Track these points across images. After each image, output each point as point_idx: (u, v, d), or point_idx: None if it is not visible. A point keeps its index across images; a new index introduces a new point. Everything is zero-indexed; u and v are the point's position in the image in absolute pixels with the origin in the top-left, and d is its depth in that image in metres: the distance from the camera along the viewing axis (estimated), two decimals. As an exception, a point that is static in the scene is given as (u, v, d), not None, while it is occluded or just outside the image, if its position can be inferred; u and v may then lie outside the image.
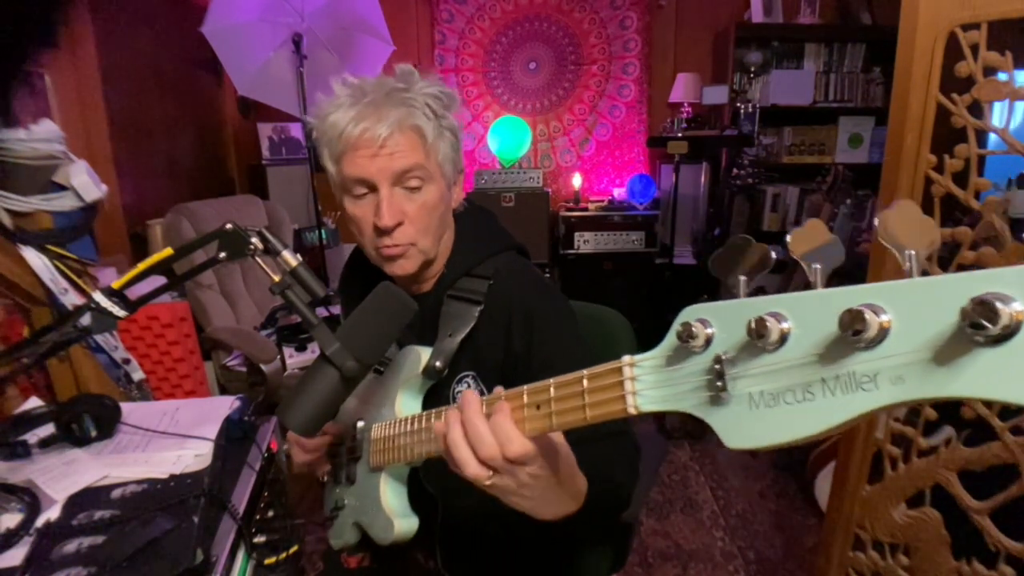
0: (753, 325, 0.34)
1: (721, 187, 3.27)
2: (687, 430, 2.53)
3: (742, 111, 3.10)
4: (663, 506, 2.09)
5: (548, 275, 3.28)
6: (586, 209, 3.35)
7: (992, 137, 0.97)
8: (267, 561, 0.83)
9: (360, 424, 0.81)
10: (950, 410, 1.04)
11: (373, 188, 0.76)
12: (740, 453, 2.39)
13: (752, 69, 3.23)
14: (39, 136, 1.27)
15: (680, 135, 3.07)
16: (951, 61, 0.95)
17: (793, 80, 3.27)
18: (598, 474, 0.62)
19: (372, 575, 0.93)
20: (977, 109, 0.95)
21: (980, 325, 0.26)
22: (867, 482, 1.17)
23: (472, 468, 0.50)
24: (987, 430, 0.98)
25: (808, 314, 0.33)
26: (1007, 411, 0.95)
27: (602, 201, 3.49)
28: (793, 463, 2.23)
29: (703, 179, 3.39)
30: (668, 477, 2.26)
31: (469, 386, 0.82)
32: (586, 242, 3.29)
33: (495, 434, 0.49)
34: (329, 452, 0.89)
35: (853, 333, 0.30)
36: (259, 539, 0.84)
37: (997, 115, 0.94)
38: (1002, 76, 0.91)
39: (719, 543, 1.90)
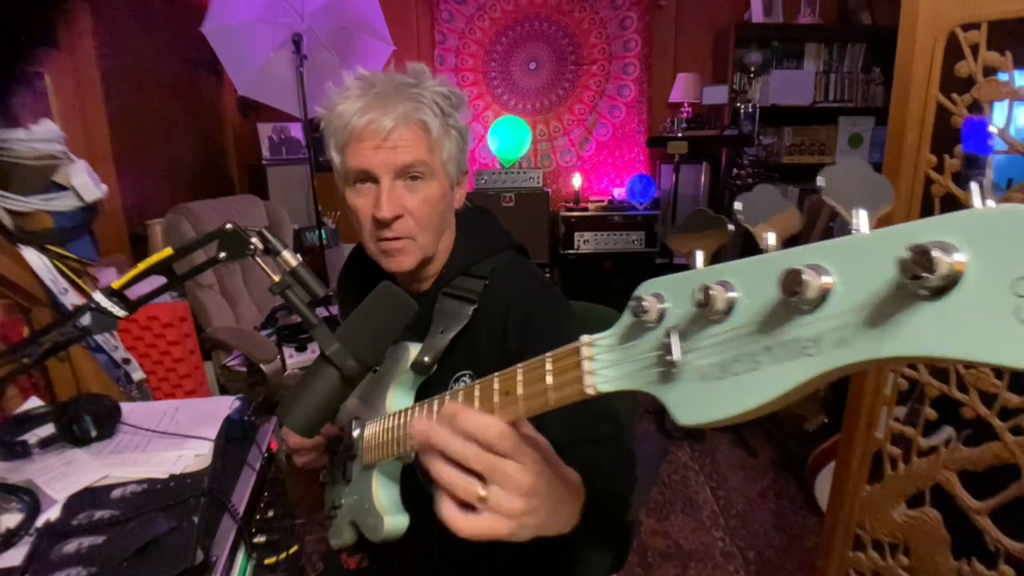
0: (698, 294, 0.32)
1: (721, 187, 3.27)
2: (687, 430, 2.52)
3: (742, 111, 3.10)
4: (663, 506, 2.09)
5: (548, 275, 3.28)
6: (586, 209, 3.35)
7: (992, 137, 0.97)
8: (267, 561, 0.84)
9: (355, 422, 0.81)
10: (950, 410, 1.03)
11: (375, 180, 0.76)
12: (740, 452, 2.40)
13: (752, 69, 3.23)
14: (39, 136, 1.27)
15: (680, 135, 3.07)
16: (951, 61, 0.95)
17: (793, 80, 3.27)
18: (592, 480, 0.60)
19: (371, 575, 0.93)
20: (977, 109, 0.95)
21: (919, 276, 0.23)
22: (867, 482, 1.17)
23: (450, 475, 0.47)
24: (987, 430, 0.98)
25: (754, 280, 0.31)
26: (1007, 411, 0.95)
27: (602, 201, 3.49)
28: (793, 463, 2.24)
29: (703, 179, 3.39)
30: (668, 477, 2.26)
31: (466, 385, 0.82)
32: (586, 242, 3.30)
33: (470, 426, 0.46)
34: (330, 451, 0.89)
35: (792, 295, 0.28)
36: (259, 539, 0.84)
37: (997, 115, 0.94)
38: (1002, 76, 0.91)
39: (719, 543, 1.90)
